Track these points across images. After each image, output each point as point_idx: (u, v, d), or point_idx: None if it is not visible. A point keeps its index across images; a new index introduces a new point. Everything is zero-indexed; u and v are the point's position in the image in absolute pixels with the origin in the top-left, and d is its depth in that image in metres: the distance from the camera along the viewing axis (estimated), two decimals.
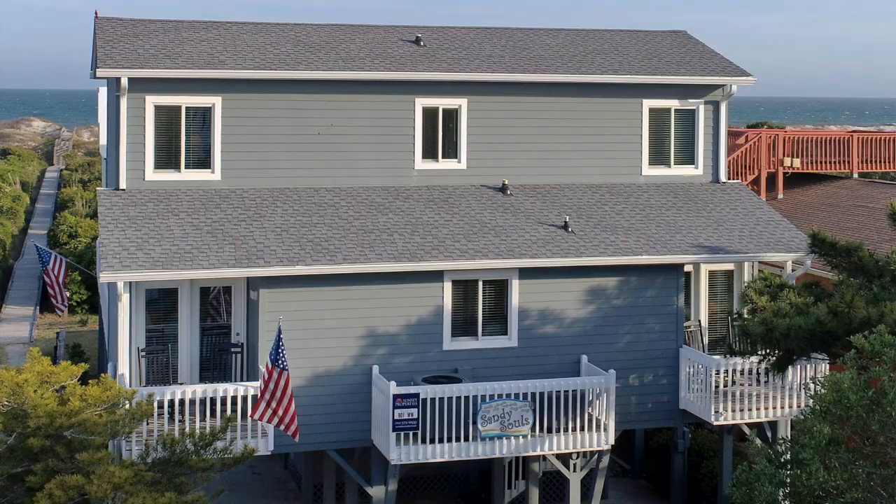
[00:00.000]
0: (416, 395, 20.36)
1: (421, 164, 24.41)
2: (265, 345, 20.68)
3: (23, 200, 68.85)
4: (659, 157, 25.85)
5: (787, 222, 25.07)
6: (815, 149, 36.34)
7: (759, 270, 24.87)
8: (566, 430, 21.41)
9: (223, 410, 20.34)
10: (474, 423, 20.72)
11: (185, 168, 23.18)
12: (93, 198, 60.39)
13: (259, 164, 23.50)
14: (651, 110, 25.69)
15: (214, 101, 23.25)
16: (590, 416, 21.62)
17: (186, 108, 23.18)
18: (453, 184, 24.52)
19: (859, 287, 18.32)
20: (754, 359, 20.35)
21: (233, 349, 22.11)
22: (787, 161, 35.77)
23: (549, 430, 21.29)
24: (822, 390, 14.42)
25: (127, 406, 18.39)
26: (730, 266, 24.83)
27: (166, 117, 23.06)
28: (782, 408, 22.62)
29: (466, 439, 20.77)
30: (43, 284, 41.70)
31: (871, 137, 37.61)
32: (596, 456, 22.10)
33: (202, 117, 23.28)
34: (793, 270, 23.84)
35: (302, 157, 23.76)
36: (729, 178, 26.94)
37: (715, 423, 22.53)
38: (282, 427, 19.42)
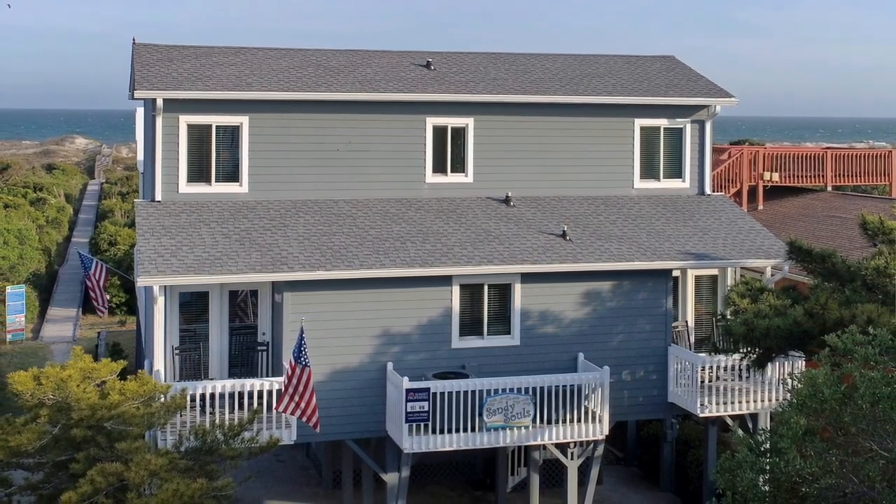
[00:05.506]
0: (427, 390, 20.37)
1: (431, 177, 24.43)
2: (289, 343, 20.70)
3: (67, 211, 69.04)
4: (649, 171, 25.84)
5: (767, 231, 25.04)
6: (792, 164, 36.27)
7: (741, 275, 24.89)
8: (564, 421, 21.41)
9: (250, 403, 20.35)
10: (480, 415, 20.72)
11: (216, 181, 23.22)
12: (131, 209, 60.54)
13: (283, 178, 23.54)
14: (642, 128, 25.68)
15: (242, 121, 23.31)
16: (586, 408, 21.61)
17: (217, 126, 23.23)
18: (461, 196, 24.53)
19: (833, 290, 18.31)
20: (737, 356, 20.33)
21: (259, 347, 22.14)
22: (767, 175, 35.71)
23: (549, 422, 21.29)
24: (799, 385, 14.43)
25: (162, 400, 18.45)
26: (714, 271, 24.83)
27: (198, 135, 23.11)
28: (762, 401, 22.60)
29: (473, 430, 20.77)
30: (85, 288, 41.77)
31: (844, 153, 37.51)
32: (592, 445, 22.09)
33: (231, 135, 23.33)
34: (772, 275, 23.82)
35: (322, 171, 23.80)
36: (713, 191, 26.91)
37: (700, 416, 22.52)
38: (304, 419, 19.44)
